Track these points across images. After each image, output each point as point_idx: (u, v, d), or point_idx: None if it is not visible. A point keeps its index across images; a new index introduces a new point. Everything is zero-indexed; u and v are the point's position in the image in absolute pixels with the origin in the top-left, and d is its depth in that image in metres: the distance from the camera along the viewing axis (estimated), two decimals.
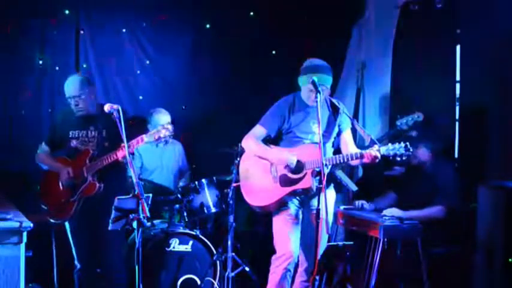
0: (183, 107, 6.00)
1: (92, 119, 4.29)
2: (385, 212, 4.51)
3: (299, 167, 4.04)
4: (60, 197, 4.27)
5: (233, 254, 4.82)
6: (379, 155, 3.87)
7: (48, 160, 4.41)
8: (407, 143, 3.82)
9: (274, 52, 6.22)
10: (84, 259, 4.35)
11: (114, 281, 4.28)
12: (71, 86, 4.29)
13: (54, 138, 4.42)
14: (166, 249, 4.84)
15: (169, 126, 3.97)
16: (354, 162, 4.11)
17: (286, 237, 4.13)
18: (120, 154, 4.02)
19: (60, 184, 4.28)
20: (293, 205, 4.17)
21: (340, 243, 3.91)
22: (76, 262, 4.37)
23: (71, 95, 4.26)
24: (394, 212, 4.47)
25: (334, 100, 4.23)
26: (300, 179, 4.05)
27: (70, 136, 4.31)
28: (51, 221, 4.35)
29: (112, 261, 4.29)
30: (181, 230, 4.93)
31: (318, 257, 3.72)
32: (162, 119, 5.39)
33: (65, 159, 4.34)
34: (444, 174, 4.61)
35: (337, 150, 4.23)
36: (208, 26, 6.03)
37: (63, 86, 5.45)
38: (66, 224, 4.34)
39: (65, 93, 4.29)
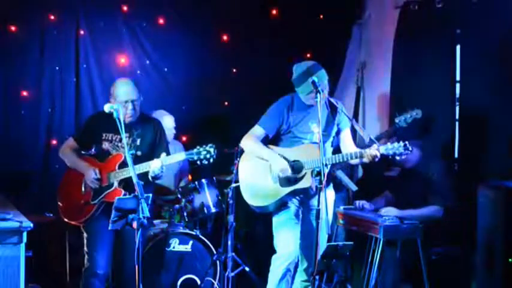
0: (183, 107, 5.99)
1: (128, 126, 4.12)
2: (381, 211, 4.52)
3: (299, 167, 4.04)
4: (80, 198, 4.14)
5: (233, 254, 4.83)
6: (378, 154, 3.87)
7: (74, 157, 4.21)
8: (407, 142, 3.83)
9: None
10: (105, 262, 4.15)
11: (125, 283, 4.18)
12: (129, 89, 4.10)
13: (85, 137, 4.27)
14: (166, 249, 4.84)
15: (158, 164, 3.96)
16: (354, 162, 4.11)
17: (286, 237, 4.12)
18: (153, 165, 3.97)
19: (83, 185, 4.15)
20: (293, 205, 4.17)
21: (340, 243, 3.90)
22: (86, 261, 4.17)
23: (129, 98, 4.09)
24: (391, 211, 4.47)
25: (332, 99, 4.22)
26: (300, 179, 4.05)
27: (103, 138, 4.17)
28: (66, 220, 4.22)
29: (126, 265, 4.10)
30: (181, 230, 4.94)
31: (318, 257, 3.72)
32: (165, 120, 5.38)
33: (92, 159, 4.21)
34: (437, 172, 4.61)
35: (337, 151, 4.22)
36: (208, 25, 6.03)
37: (63, 86, 5.54)
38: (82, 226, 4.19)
39: (119, 97, 4.09)
